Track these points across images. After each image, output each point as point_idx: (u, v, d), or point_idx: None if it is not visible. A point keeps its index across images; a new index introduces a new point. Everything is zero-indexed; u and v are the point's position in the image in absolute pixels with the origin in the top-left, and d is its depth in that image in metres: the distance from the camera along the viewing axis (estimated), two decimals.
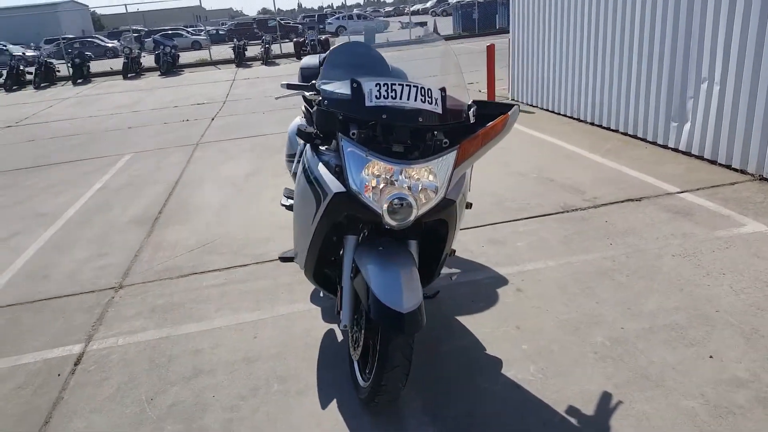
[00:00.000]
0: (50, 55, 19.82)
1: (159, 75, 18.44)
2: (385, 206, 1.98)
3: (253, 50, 22.36)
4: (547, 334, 2.62)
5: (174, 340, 2.84)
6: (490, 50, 8.28)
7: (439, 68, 2.59)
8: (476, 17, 24.72)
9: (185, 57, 22.57)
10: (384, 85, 2.10)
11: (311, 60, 3.80)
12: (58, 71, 19.08)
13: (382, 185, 2.01)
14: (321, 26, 25.88)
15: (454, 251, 2.66)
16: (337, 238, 2.28)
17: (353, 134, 2.09)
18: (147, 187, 5.65)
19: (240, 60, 20.05)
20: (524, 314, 2.79)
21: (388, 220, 2.00)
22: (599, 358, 2.42)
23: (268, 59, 20.29)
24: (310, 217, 2.21)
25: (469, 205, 2.63)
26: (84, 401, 2.43)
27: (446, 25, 28.43)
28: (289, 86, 2.84)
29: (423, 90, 2.12)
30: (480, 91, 8.93)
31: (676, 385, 2.22)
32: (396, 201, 1.98)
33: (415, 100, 2.10)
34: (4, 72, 18.09)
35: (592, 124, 6.56)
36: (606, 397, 2.19)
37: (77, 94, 15.03)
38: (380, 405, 2.14)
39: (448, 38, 23.53)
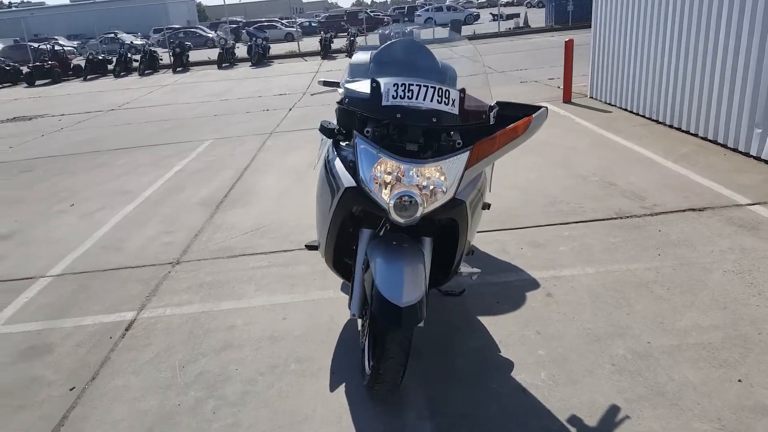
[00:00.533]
0: (155, 45, 21.21)
1: (250, 66, 19.30)
2: (391, 203, 2.04)
3: (341, 42, 22.84)
4: (567, 341, 2.58)
5: (213, 315, 3.05)
6: (568, 46, 8.01)
7: (463, 69, 2.59)
8: (571, 9, 23.81)
9: (276, 48, 23.43)
10: (402, 86, 2.16)
11: (362, 56, 3.88)
12: (161, 60, 20.45)
13: (391, 182, 2.07)
14: (406, 18, 25.85)
15: (473, 251, 2.67)
16: (354, 230, 2.36)
17: (367, 132, 2.17)
18: (219, 172, 6.01)
19: (326, 52, 20.57)
20: (548, 320, 2.76)
21: (395, 216, 2.06)
22: (616, 370, 2.36)
23: (352, 51, 20.64)
24: (327, 208, 2.31)
25: (486, 206, 2.62)
26: (127, 363, 2.69)
27: (539, 17, 27.60)
28: (325, 83, 2.95)
29: (440, 91, 2.15)
30: (559, 87, 8.67)
31: (693, 405, 2.13)
32: (403, 198, 2.03)
33: (431, 100, 2.14)
34: (114, 59, 19.60)
35: (670, 126, 6.21)
36: (613, 410, 2.14)
37: (175, 82, 16.07)
38: (380, 393, 2.21)
39: (538, 31, 22.87)
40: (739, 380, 2.23)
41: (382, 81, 2.20)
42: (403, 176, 2.07)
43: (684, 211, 3.91)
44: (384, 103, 2.15)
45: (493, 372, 2.41)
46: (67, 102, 13.49)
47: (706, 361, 2.36)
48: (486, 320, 2.80)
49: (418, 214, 2.06)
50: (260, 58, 19.96)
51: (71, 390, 2.51)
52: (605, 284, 3.03)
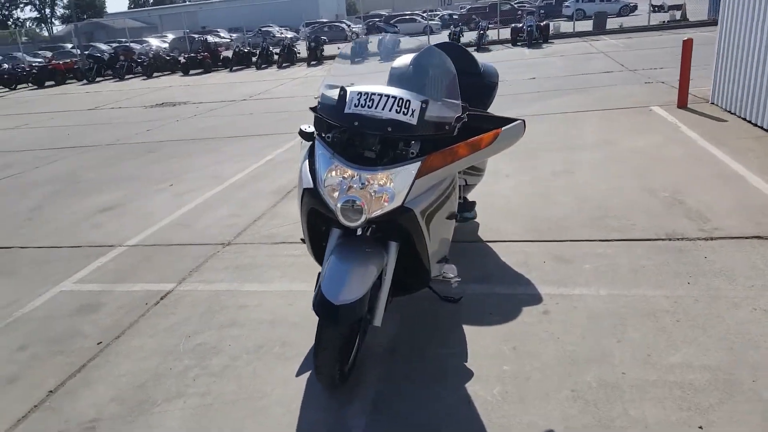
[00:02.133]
0: (302, 38, 22.57)
1: (378, 60, 19.85)
2: (338, 206, 2.17)
3: (472, 35, 22.63)
4: (539, 360, 2.52)
5: (233, 294, 3.38)
6: (686, 46, 7.33)
7: (435, 79, 2.62)
8: None
9: (405, 43, 23.79)
10: (364, 95, 2.26)
11: (404, 60, 3.99)
12: (299, 53, 21.79)
13: (341, 186, 2.20)
14: (542, 11, 24.82)
15: (446, 258, 2.68)
16: (328, 228, 2.51)
17: (328, 137, 2.31)
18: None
19: None
20: (531, 337, 2.70)
21: (341, 219, 2.19)
22: (572, 397, 2.27)
23: (481, 45, 20.40)
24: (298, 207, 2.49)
25: (455, 216, 2.61)
26: (148, 327, 3.10)
27: (700, 8, 25.05)
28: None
29: (400, 101, 2.23)
30: (674, 87, 7.97)
31: None
32: (347, 202, 2.15)
33: (390, 110, 2.22)
34: (257, 52, 21.24)
35: None
36: None
37: (306, 75, 17.10)
38: (325, 384, 2.35)
39: (697, 25, 20.83)
40: (700, 427, 2.06)
41: (350, 89, 2.33)
42: (350, 182, 2.19)
43: (747, 238, 3.52)
44: (345, 110, 2.28)
45: (449, 379, 2.44)
46: (209, 91, 14.97)
47: (674, 402, 2.19)
48: (469, 329, 2.81)
49: (362, 219, 2.17)
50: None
51: (98, 344, 2.97)
52: (611, 308, 2.87)
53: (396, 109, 2.25)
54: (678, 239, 3.58)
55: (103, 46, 30.48)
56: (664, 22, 22.38)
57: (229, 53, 21.30)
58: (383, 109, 2.25)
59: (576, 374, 2.40)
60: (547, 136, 6.60)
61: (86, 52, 23.13)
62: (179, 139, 8.59)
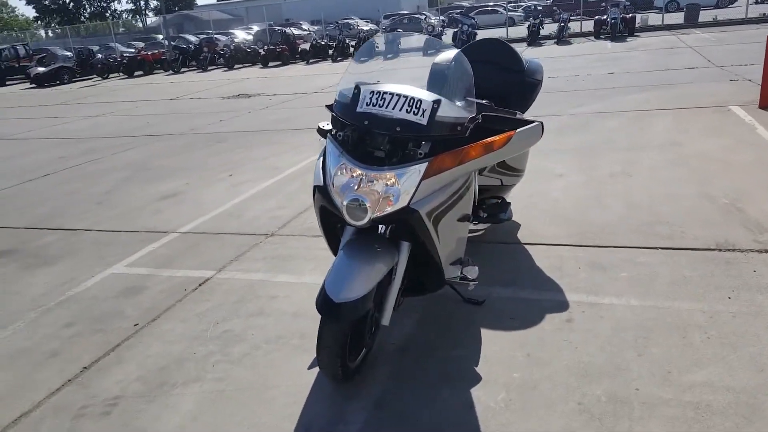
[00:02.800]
0: (369, 31, 22.73)
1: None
2: (344, 205, 2.20)
3: (552, 27, 21.91)
4: (551, 369, 2.44)
5: (266, 284, 3.50)
6: None
7: (449, 79, 2.57)
8: None
9: (484, 35, 23.41)
10: (376, 94, 2.27)
11: (446, 55, 3.95)
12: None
13: (348, 185, 2.22)
14: (628, 3, 23.51)
15: (467, 260, 2.64)
16: (343, 225, 2.55)
17: (339, 135, 2.34)
18: None
19: (533, 39, 19.96)
20: (548, 345, 2.62)
21: (346, 217, 2.21)
22: (578, 409, 2.19)
23: (561, 38, 19.72)
24: None
25: (467, 218, 2.55)
26: (183, 312, 3.27)
27: None
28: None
29: (411, 101, 2.22)
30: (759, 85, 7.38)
31: None
32: (353, 201, 2.18)
33: (400, 110, 2.22)
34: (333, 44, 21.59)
35: None
36: None
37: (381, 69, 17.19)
38: (328, 379, 2.40)
39: None
40: None
41: (363, 87, 2.35)
42: (357, 180, 2.21)
43: None
44: (357, 109, 2.30)
45: (455, 382, 2.42)
46: (284, 83, 15.41)
47: (685, 423, 2.06)
48: (487, 333, 2.76)
49: (367, 218, 2.18)
50: (463, 44, 20.18)
51: (135, 325, 3.17)
52: (639, 320, 2.73)
53: (407, 109, 2.24)
54: (729, 250, 3.34)
55: (192, 38, 32.01)
56: (764, 14, 20.66)
57: (307, 46, 21.77)
58: (394, 108, 2.25)
59: (586, 386, 2.31)
60: (612, 134, 6.32)
61: (173, 44, 24.40)
62: (248, 130, 8.92)
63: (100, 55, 23.69)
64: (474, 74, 3.68)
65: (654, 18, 22.77)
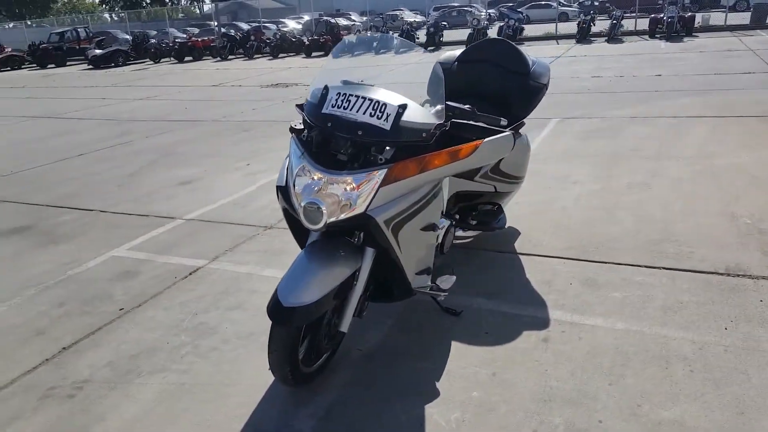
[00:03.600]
0: (412, 24, 22.57)
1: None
2: (302, 207, 2.15)
3: (605, 24, 21.17)
4: (513, 391, 2.34)
5: (251, 278, 3.50)
6: None
7: (420, 84, 2.47)
8: None
9: (532, 30, 22.88)
10: (342, 95, 2.21)
11: (450, 54, 3.85)
12: (417, 38, 21.75)
13: (308, 187, 2.17)
14: (688, 2, 22.44)
15: (430, 269, 2.55)
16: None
17: (304, 136, 2.29)
18: None
19: (582, 35, 19.35)
20: (517, 364, 2.51)
21: (303, 220, 2.16)
22: None
23: (613, 36, 19.04)
24: None
25: (432, 227, 2.44)
26: (167, 300, 3.31)
27: None
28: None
29: (376, 104, 2.16)
30: None
31: None
32: (310, 204, 2.12)
33: (364, 113, 2.16)
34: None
35: None
36: None
37: (418, 61, 17.03)
38: (279, 382, 2.36)
39: None
40: None
41: (332, 88, 2.29)
42: (316, 183, 2.16)
43: None
44: (323, 110, 2.24)
45: (412, 396, 2.35)
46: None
47: None
48: (457, 346, 2.67)
49: (322, 223, 2.13)
50: (509, 39, 19.74)
51: (120, 310, 3.22)
52: (620, 345, 2.58)
53: (371, 113, 2.17)
54: (737, 275, 3.13)
55: (244, 26, 32.55)
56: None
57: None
58: (358, 111, 2.19)
59: (546, 413, 2.20)
60: (642, 141, 6.04)
61: (222, 31, 24.85)
62: (276, 120, 8.99)
63: (153, 40, 24.34)
64: (475, 75, 3.57)
65: (717, 18, 21.68)
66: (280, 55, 22.31)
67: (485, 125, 2.49)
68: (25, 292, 3.52)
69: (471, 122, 2.47)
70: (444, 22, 22.28)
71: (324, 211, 2.11)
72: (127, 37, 29.07)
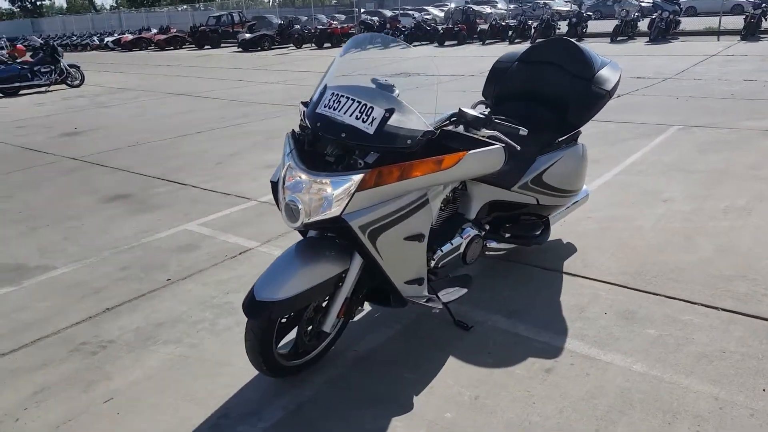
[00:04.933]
0: (553, 14, 21.46)
1: (646, 42, 17.76)
2: (282, 205, 2.20)
3: None
4: (487, 420, 2.20)
5: None
6: None
7: (410, 87, 2.36)
8: None
9: (693, 23, 20.70)
10: (336, 95, 2.21)
11: (512, 53, 3.67)
12: (558, 29, 20.70)
13: (292, 185, 2.20)
14: None
15: (421, 279, 2.45)
16: None
17: (298, 134, 2.31)
18: None
19: (749, 31, 17.13)
20: (506, 392, 2.35)
21: (283, 218, 2.21)
22: None
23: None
24: None
25: (418, 237, 2.32)
26: (209, 276, 3.54)
27: None
28: None
29: (364, 107, 2.13)
30: None
31: None
32: (290, 202, 2.16)
33: (351, 115, 2.15)
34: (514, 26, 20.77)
35: None
36: None
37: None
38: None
39: None
40: None
41: (329, 87, 2.29)
42: (298, 182, 2.18)
43: None
44: (317, 110, 2.25)
45: (384, 406, 2.31)
46: (448, 64, 15.31)
47: None
48: (452, 363, 2.57)
49: (299, 222, 2.16)
50: (661, 33, 18.07)
51: (167, 280, 3.52)
52: (628, 389, 2.32)
53: (357, 115, 2.15)
54: None
55: (389, 13, 33.17)
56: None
57: (486, 25, 21.33)
58: (345, 113, 2.17)
59: None
60: (765, 160, 5.27)
61: (360, 19, 25.54)
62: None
63: (298, 26, 25.72)
64: (534, 76, 3.36)
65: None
66: (414, 43, 22.45)
67: (478, 137, 2.34)
68: (101, 254, 3.97)
69: (463, 132, 2.35)
70: (589, 13, 20.94)
71: (300, 210, 2.13)
72: (280, 22, 31.02)
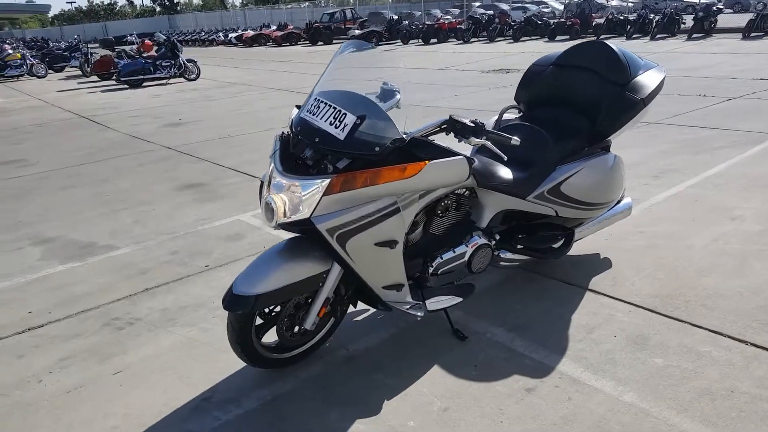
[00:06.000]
0: (677, 8, 19.81)
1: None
2: (262, 204, 2.32)
3: None
4: (449, 431, 2.18)
5: None
6: None
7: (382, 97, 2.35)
8: None
9: None
10: (316, 101, 2.29)
11: (549, 56, 3.53)
12: (683, 23, 19.11)
13: (273, 185, 2.31)
14: None
15: (400, 285, 2.44)
16: None
17: (284, 135, 2.41)
18: None
19: None
20: (476, 407, 2.31)
21: (262, 215, 2.32)
22: None
23: None
24: None
25: (390, 243, 2.30)
26: (243, 264, 3.67)
27: None
28: None
29: (337, 113, 2.20)
30: None
31: None
32: (268, 203, 2.28)
33: (326, 120, 2.22)
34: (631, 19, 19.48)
35: None
36: None
37: (673, 50, 15.07)
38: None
39: None
40: None
41: (315, 93, 2.37)
42: (276, 183, 2.29)
43: None
44: (300, 113, 2.35)
45: (353, 408, 2.35)
46: None
47: None
48: (434, 372, 2.55)
49: (273, 222, 2.26)
50: None
51: (206, 266, 3.79)
52: (607, 419, 2.18)
53: (330, 121, 2.21)
54: None
55: (505, 6, 32.33)
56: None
57: (602, 20, 20.20)
58: (321, 118, 2.25)
59: None
60: None
61: (469, 13, 25.20)
62: (470, 108, 9.01)
63: (405, 22, 25.93)
64: (567, 81, 3.22)
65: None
66: (522, 38, 21.83)
67: (446, 148, 2.30)
68: (159, 238, 4.35)
69: (432, 142, 2.32)
70: (719, 6, 19.11)
71: (275, 211, 2.24)
72: (393, 17, 31.42)
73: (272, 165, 2.35)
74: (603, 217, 3.32)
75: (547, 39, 20.82)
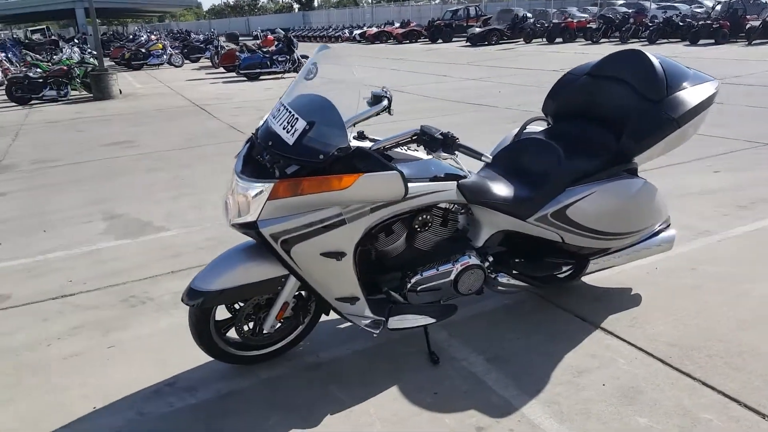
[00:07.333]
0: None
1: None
2: (222, 203, 2.36)
3: None
4: None
5: None
6: None
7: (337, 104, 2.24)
8: None
9: None
10: (281, 105, 2.29)
11: (581, 66, 3.22)
12: None
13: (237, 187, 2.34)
14: None
15: (355, 299, 2.35)
16: None
17: (254, 136, 2.43)
18: None
19: None
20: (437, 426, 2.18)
21: (222, 214, 2.37)
22: None
23: None
24: None
25: (339, 255, 2.21)
26: None
27: None
28: None
29: (291, 117, 2.19)
30: None
31: None
32: (226, 202, 2.32)
33: (280, 124, 2.22)
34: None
35: None
36: None
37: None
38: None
39: None
40: None
41: (283, 98, 2.36)
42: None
43: None
44: (267, 116, 2.36)
45: (298, 417, 2.32)
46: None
47: None
48: (391, 393, 2.45)
49: (228, 222, 2.29)
50: None
51: None
52: None
53: (284, 125, 2.19)
54: None
55: (652, 6, 29.90)
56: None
57: (758, 22, 18.04)
58: (278, 121, 2.24)
59: None
60: None
61: (601, 12, 23.68)
62: (498, 105, 8.49)
63: (530, 20, 24.98)
64: (598, 93, 2.95)
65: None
66: (660, 41, 20.10)
67: (384, 161, 2.16)
68: (204, 224, 4.59)
69: (375, 153, 2.18)
70: None
71: (228, 211, 2.27)
72: (528, 15, 30.33)
73: (235, 168, 2.38)
74: (633, 249, 2.98)
75: (687, 43, 18.99)
